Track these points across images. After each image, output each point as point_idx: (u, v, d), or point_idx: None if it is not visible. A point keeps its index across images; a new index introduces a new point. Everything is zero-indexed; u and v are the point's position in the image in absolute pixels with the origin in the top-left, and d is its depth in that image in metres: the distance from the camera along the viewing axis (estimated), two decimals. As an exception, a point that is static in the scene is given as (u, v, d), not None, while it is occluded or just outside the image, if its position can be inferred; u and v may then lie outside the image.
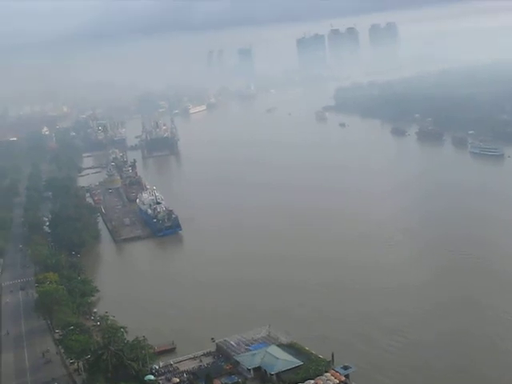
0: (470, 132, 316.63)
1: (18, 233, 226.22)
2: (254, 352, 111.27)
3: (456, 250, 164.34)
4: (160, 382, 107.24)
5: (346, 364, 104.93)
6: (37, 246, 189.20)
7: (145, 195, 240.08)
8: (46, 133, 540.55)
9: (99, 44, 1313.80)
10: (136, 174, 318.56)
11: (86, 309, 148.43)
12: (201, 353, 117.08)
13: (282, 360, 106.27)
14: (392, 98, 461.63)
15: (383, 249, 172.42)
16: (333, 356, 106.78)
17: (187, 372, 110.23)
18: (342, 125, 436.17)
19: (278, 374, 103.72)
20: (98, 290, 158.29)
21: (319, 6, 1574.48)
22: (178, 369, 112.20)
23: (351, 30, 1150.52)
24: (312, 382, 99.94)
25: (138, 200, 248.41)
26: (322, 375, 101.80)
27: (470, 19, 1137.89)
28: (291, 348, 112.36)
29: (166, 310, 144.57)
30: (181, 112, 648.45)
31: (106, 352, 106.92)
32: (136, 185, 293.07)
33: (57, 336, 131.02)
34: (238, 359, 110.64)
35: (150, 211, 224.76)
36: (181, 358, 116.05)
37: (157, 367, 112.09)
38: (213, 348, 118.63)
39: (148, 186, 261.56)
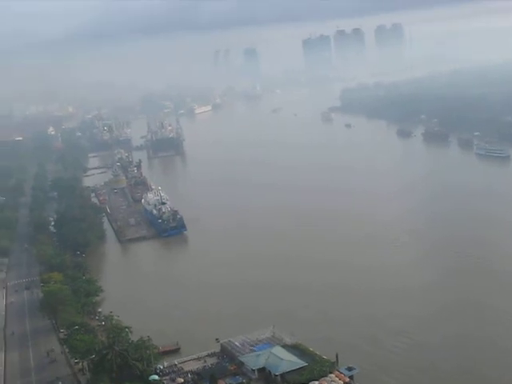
0: (476, 133, 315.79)
1: (23, 232, 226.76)
2: (258, 353, 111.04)
3: (462, 252, 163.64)
4: (164, 382, 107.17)
5: (351, 365, 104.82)
6: (42, 246, 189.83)
7: (150, 195, 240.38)
8: (52, 133, 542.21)
9: (100, 44, 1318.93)
10: (141, 174, 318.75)
11: (90, 309, 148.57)
12: (205, 353, 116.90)
13: (286, 361, 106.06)
14: (398, 99, 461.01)
15: (389, 250, 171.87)
16: (337, 357, 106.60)
17: (191, 372, 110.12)
18: (348, 126, 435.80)
19: (282, 375, 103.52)
20: (102, 290, 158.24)
21: (325, 6, 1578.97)
22: (182, 369, 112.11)
23: (357, 31, 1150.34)
24: (316, 382, 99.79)
25: (143, 200, 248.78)
26: (326, 376, 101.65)
27: (481, 19, 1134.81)
28: (295, 349, 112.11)
29: (170, 311, 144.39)
30: (186, 112, 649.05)
31: (110, 352, 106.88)
32: (141, 185, 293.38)
33: (61, 335, 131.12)
34: (242, 360, 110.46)
35: (155, 211, 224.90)
36: (185, 359, 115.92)
37: (161, 367, 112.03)
38: (217, 348, 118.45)
39: (153, 187, 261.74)
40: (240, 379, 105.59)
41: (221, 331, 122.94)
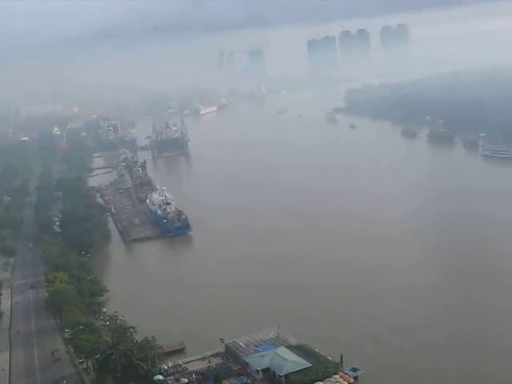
0: (481, 134, 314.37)
1: (28, 232, 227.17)
2: (262, 353, 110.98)
3: (466, 253, 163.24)
4: (169, 382, 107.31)
5: (355, 366, 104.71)
6: (47, 246, 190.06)
7: (155, 196, 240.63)
8: (57, 133, 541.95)
9: (106, 45, 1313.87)
10: (146, 174, 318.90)
11: (95, 308, 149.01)
12: (210, 353, 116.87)
13: (290, 361, 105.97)
14: (403, 100, 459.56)
15: (393, 251, 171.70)
16: (342, 358, 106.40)
17: (196, 372, 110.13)
18: (353, 126, 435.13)
19: (286, 376, 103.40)
20: (107, 290, 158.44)
21: (330, 7, 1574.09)
22: (186, 369, 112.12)
23: (362, 32, 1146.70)
24: (321, 383, 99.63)
25: (147, 200, 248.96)
26: (330, 377, 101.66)
27: (483, 21, 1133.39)
28: (300, 349, 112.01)
29: (175, 311, 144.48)
30: (191, 113, 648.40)
31: (115, 352, 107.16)
32: (146, 185, 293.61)
33: (66, 335, 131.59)
34: (246, 360, 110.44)
35: (159, 212, 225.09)
36: (190, 359, 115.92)
37: (166, 367, 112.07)
38: (222, 349, 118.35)
39: (158, 187, 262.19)
40: (244, 379, 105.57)
41: (225, 331, 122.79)
